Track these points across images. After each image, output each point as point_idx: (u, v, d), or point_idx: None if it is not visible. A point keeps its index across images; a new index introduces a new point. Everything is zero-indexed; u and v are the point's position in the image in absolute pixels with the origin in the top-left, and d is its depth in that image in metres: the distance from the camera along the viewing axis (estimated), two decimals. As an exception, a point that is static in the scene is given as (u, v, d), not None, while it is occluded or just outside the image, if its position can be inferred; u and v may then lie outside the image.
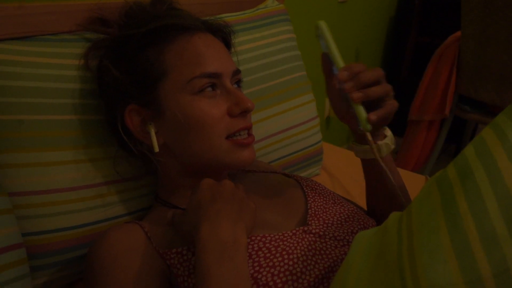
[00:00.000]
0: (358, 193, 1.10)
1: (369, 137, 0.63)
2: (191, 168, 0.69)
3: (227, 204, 0.55)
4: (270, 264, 0.55)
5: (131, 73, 0.65)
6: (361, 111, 0.61)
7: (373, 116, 0.60)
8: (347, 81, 0.60)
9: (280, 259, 0.56)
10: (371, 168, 0.75)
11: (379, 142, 0.68)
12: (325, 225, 0.65)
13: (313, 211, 0.67)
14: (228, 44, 0.78)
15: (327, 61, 0.66)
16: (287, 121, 1.04)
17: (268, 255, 0.56)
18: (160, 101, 0.65)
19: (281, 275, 0.54)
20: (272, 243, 0.58)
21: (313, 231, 0.63)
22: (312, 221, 0.65)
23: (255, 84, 0.99)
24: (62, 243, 0.70)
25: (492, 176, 0.38)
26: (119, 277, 0.55)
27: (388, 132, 0.70)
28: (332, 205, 0.70)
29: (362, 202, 1.05)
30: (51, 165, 0.69)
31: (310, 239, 0.61)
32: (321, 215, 0.67)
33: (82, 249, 0.72)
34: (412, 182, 0.72)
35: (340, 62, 0.63)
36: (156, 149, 0.66)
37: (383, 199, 0.77)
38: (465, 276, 0.35)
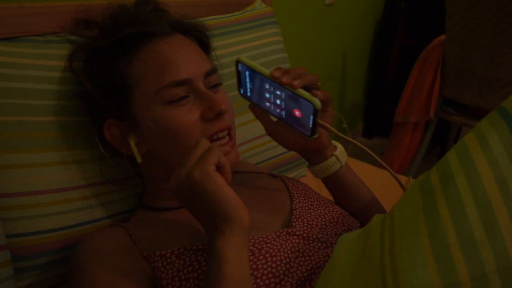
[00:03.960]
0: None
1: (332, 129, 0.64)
2: None
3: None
4: (254, 266, 0.56)
5: (102, 86, 0.65)
6: (306, 92, 0.60)
7: (320, 93, 0.60)
8: (283, 76, 0.60)
9: (263, 261, 0.56)
10: (336, 181, 0.75)
11: (335, 153, 0.70)
12: (309, 226, 0.65)
13: (297, 213, 0.68)
14: (202, 43, 0.75)
15: (257, 108, 0.69)
16: (274, 123, 1.04)
17: (251, 257, 0.57)
18: (134, 113, 0.64)
19: (264, 277, 0.55)
20: (256, 245, 0.59)
21: (297, 233, 0.63)
22: (297, 223, 0.65)
23: (242, 86, 0.99)
24: (47, 245, 0.69)
25: (472, 182, 0.39)
26: (103, 280, 0.55)
27: (338, 144, 0.72)
28: (317, 206, 0.71)
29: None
30: (37, 167, 0.68)
31: (294, 241, 0.62)
32: (306, 216, 0.67)
33: (67, 251, 0.72)
34: (396, 183, 0.74)
35: (267, 70, 0.63)
36: (139, 160, 0.66)
37: (358, 210, 0.76)
38: (443, 280, 0.36)
